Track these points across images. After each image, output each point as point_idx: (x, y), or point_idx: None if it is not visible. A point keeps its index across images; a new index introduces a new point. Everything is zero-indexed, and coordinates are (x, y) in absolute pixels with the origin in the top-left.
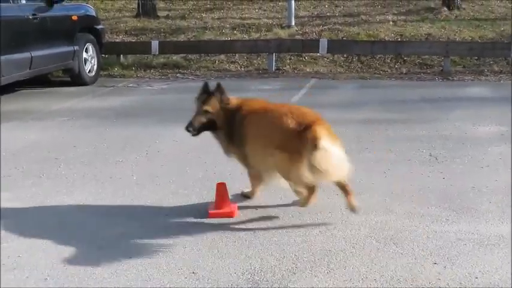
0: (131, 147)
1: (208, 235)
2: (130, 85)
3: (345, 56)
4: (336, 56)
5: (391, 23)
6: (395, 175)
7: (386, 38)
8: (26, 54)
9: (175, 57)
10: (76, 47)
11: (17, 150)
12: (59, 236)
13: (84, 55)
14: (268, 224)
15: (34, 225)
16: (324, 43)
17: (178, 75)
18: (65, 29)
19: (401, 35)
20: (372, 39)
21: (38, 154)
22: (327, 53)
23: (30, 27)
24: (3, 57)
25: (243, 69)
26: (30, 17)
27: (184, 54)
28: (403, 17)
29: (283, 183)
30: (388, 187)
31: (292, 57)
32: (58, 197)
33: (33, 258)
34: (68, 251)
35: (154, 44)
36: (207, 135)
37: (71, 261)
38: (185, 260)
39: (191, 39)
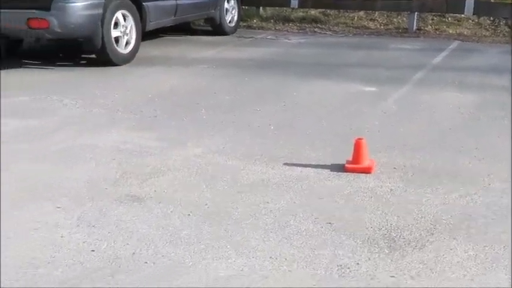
0: (269, 98)
1: (344, 188)
2: (269, 37)
3: (491, 18)
4: (481, 18)
5: None
6: None
7: None
8: (171, 2)
9: (314, 12)
10: None
11: (162, 93)
12: (200, 177)
13: (226, 5)
14: (406, 183)
15: (175, 165)
16: (470, 4)
17: (316, 30)
18: None
19: None
20: None
21: (180, 98)
22: (473, 14)
23: None
24: (150, 4)
25: (382, 27)
26: None
27: (323, 9)
28: None
29: None
30: None
31: (435, 18)
32: (199, 139)
33: (177, 195)
34: (209, 191)
35: None
36: (345, 92)
37: (212, 200)
38: (321, 210)
39: None
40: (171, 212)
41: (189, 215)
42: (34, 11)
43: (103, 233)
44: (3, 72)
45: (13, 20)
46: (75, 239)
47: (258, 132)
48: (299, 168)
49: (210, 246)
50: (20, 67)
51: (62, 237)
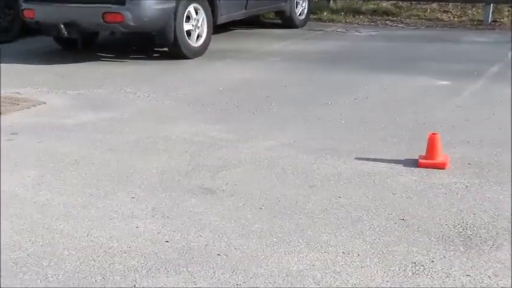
0: (340, 91)
1: (418, 184)
2: (339, 30)
3: None
4: None
5: None
6: None
7: None
8: None
9: (385, 4)
10: None
11: (232, 86)
12: (271, 171)
13: None
14: (482, 179)
15: (246, 158)
16: None
17: (387, 22)
18: None
19: None
20: None
21: (251, 91)
22: None
23: None
24: None
25: (456, 19)
26: None
27: (395, 1)
28: None
29: None
30: None
31: (511, 9)
32: (270, 132)
33: (248, 187)
34: (281, 185)
35: None
36: (417, 86)
37: (283, 194)
38: (394, 206)
39: None
40: (243, 205)
41: (261, 208)
42: (109, 5)
43: (176, 224)
44: (81, 64)
45: (89, 14)
46: (150, 230)
47: (329, 126)
48: (371, 163)
49: (282, 240)
50: (96, 60)
51: (137, 227)
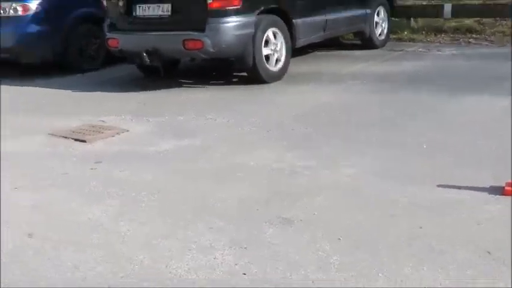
0: (420, 114)
1: (504, 214)
2: (420, 50)
3: None
4: None
5: None
6: None
7: None
8: (321, 17)
9: (468, 21)
10: (368, 11)
11: (312, 110)
12: (351, 199)
13: (376, 18)
14: None
15: (326, 186)
16: None
17: (470, 40)
18: None
19: None
20: None
21: (330, 115)
22: None
23: None
24: (300, 20)
25: None
26: None
27: (478, 18)
28: None
29: None
30: None
31: None
32: (350, 158)
33: (327, 217)
34: (361, 214)
35: (447, 8)
36: (502, 108)
37: (363, 223)
38: (479, 237)
39: (486, 2)
40: (322, 235)
41: (339, 239)
42: (190, 32)
43: (254, 255)
44: (163, 91)
45: (170, 42)
46: (227, 261)
47: (410, 151)
48: (454, 191)
49: (360, 274)
50: (177, 86)
51: (214, 258)
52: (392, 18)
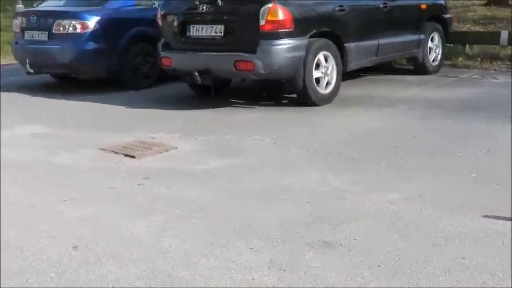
0: (472, 142)
1: None
2: (474, 77)
3: None
4: None
5: None
6: None
7: None
8: (373, 42)
9: None
10: (422, 36)
11: (360, 134)
12: (394, 225)
13: (429, 44)
14: None
15: (369, 211)
16: None
17: None
18: (413, 17)
19: None
20: None
21: (378, 140)
22: None
23: (380, 15)
24: (352, 44)
25: None
26: (381, 6)
27: None
28: None
29: None
30: None
31: None
32: (395, 184)
33: (368, 243)
34: (402, 241)
35: (504, 35)
36: None
37: (404, 251)
38: None
39: None
40: (361, 261)
41: (379, 266)
42: (241, 53)
43: (292, 278)
44: (213, 110)
45: (222, 62)
46: (266, 283)
47: (458, 179)
48: (501, 222)
49: None
50: (227, 106)
51: (253, 279)
52: (447, 44)
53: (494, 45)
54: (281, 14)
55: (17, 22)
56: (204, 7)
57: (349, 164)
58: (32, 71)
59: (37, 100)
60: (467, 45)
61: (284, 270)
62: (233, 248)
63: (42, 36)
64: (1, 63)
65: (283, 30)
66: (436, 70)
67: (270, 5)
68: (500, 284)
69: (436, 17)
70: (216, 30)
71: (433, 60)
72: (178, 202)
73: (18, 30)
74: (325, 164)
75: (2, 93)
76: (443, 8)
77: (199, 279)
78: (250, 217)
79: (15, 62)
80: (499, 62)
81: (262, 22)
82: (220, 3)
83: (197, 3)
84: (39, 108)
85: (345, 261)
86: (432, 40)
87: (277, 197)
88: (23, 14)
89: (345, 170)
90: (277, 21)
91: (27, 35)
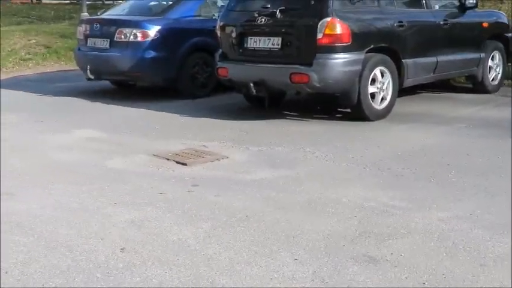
0: None
1: None
2: None
3: None
4: None
5: None
6: None
7: None
8: (432, 59)
9: None
10: (482, 54)
11: (412, 151)
12: (441, 244)
13: (490, 63)
14: None
15: (416, 228)
16: None
17: None
18: (474, 35)
19: None
20: None
21: (431, 158)
22: None
23: (440, 32)
24: (410, 61)
25: None
26: (441, 23)
27: None
28: None
29: None
30: None
31: None
32: (444, 203)
33: (413, 260)
34: (449, 260)
35: None
36: None
37: (451, 270)
38: None
39: None
40: (406, 278)
41: (424, 284)
42: (297, 66)
43: None
44: (266, 121)
45: (277, 74)
46: None
47: (510, 200)
48: None
49: None
50: (281, 118)
51: None
52: (509, 64)
53: None
54: (339, 28)
55: (81, 29)
56: (263, 19)
57: (400, 180)
58: (92, 77)
59: (95, 105)
60: None
61: (327, 282)
62: (277, 258)
63: (104, 43)
64: (65, 69)
65: (340, 44)
66: (496, 89)
67: (328, 19)
68: None
69: (498, 35)
70: (273, 43)
71: (493, 80)
72: (225, 210)
73: (81, 37)
74: (375, 180)
75: (63, 97)
76: (506, 27)
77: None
78: (296, 228)
79: (77, 68)
80: None
81: (319, 36)
82: (278, 16)
83: (256, 15)
84: (97, 113)
85: (389, 277)
86: (493, 59)
87: (324, 210)
88: (87, 21)
89: (394, 187)
90: (335, 35)
91: (90, 42)
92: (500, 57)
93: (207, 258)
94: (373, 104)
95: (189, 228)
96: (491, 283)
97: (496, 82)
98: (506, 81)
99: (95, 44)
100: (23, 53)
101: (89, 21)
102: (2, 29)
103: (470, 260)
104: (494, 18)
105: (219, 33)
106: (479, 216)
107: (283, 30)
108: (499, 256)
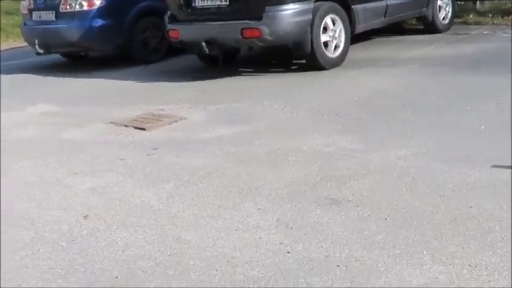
0: (481, 96)
1: None
2: (485, 32)
3: None
4: None
5: None
6: None
7: None
8: (381, 3)
9: None
10: None
11: (368, 95)
12: (401, 180)
13: (439, 2)
14: None
15: (376, 168)
16: None
17: None
18: None
19: None
20: None
21: (386, 100)
22: None
23: None
24: (359, 6)
25: None
26: None
27: None
28: None
29: None
30: None
31: None
32: (402, 141)
33: (375, 198)
34: (409, 195)
35: None
36: None
37: (411, 204)
38: None
39: None
40: (368, 215)
41: (386, 219)
42: (247, 21)
43: (299, 234)
44: (221, 80)
45: (228, 31)
46: (273, 240)
47: (466, 133)
48: (509, 171)
49: (405, 252)
50: (236, 75)
51: (260, 238)
52: (458, 2)
53: (505, 1)
54: None
55: (25, 4)
56: None
57: (357, 124)
58: (41, 51)
59: (47, 80)
60: (477, 1)
61: (291, 227)
62: (241, 210)
63: (50, 16)
64: (14, 46)
65: None
66: (447, 28)
67: None
68: (507, 229)
69: None
70: None
71: (443, 19)
72: (186, 169)
73: (26, 12)
74: (333, 126)
75: (14, 75)
76: None
77: (207, 241)
78: (258, 180)
79: (25, 44)
80: (510, 17)
81: None
82: None
83: None
84: (50, 87)
85: (352, 216)
86: None
87: (285, 160)
88: None
89: (352, 131)
90: None
91: (35, 15)
92: None
93: (171, 217)
94: (326, 52)
95: (151, 190)
96: (451, 211)
97: (446, 21)
98: (456, 20)
99: (40, 17)
100: None
101: None
102: None
103: (429, 192)
104: None
105: None
106: (436, 151)
107: None
108: (457, 186)
